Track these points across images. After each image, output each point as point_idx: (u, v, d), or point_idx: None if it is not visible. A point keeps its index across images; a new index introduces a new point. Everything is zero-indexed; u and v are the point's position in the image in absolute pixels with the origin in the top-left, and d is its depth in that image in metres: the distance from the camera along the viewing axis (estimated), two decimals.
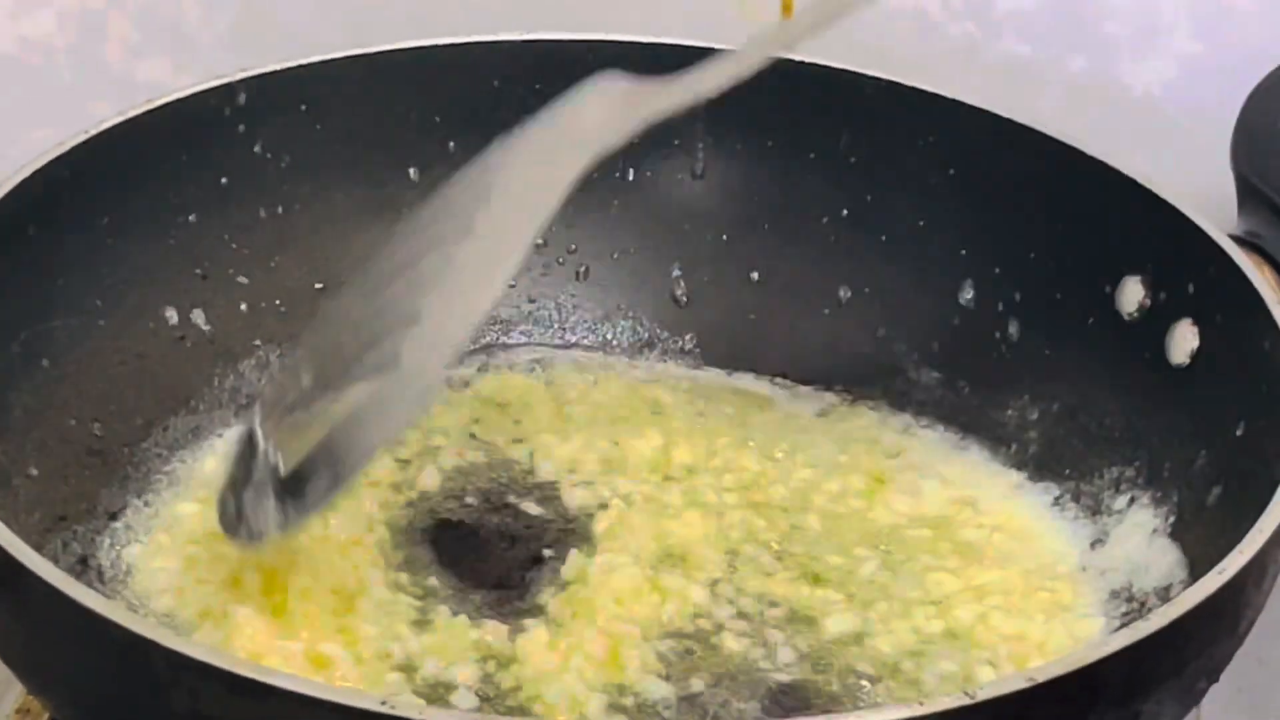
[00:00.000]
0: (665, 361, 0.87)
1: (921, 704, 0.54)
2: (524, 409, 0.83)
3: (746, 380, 0.86)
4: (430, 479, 0.78)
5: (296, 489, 0.64)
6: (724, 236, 0.88)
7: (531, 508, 0.77)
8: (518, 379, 0.85)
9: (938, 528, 0.77)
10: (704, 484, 0.79)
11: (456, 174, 0.68)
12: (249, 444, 0.67)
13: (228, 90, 0.81)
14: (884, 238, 0.86)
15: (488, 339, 0.87)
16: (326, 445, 0.63)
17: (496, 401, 0.84)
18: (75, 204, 0.76)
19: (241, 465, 0.67)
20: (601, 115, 0.66)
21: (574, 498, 0.78)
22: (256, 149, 0.82)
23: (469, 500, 0.78)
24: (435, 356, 0.63)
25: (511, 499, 0.78)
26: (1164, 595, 0.71)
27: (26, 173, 0.73)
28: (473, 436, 0.81)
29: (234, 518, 0.67)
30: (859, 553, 0.76)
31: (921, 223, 0.85)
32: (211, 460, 0.78)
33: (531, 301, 0.88)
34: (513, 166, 0.66)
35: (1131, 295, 0.78)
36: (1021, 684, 0.55)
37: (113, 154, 0.77)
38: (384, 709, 0.53)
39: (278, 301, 0.83)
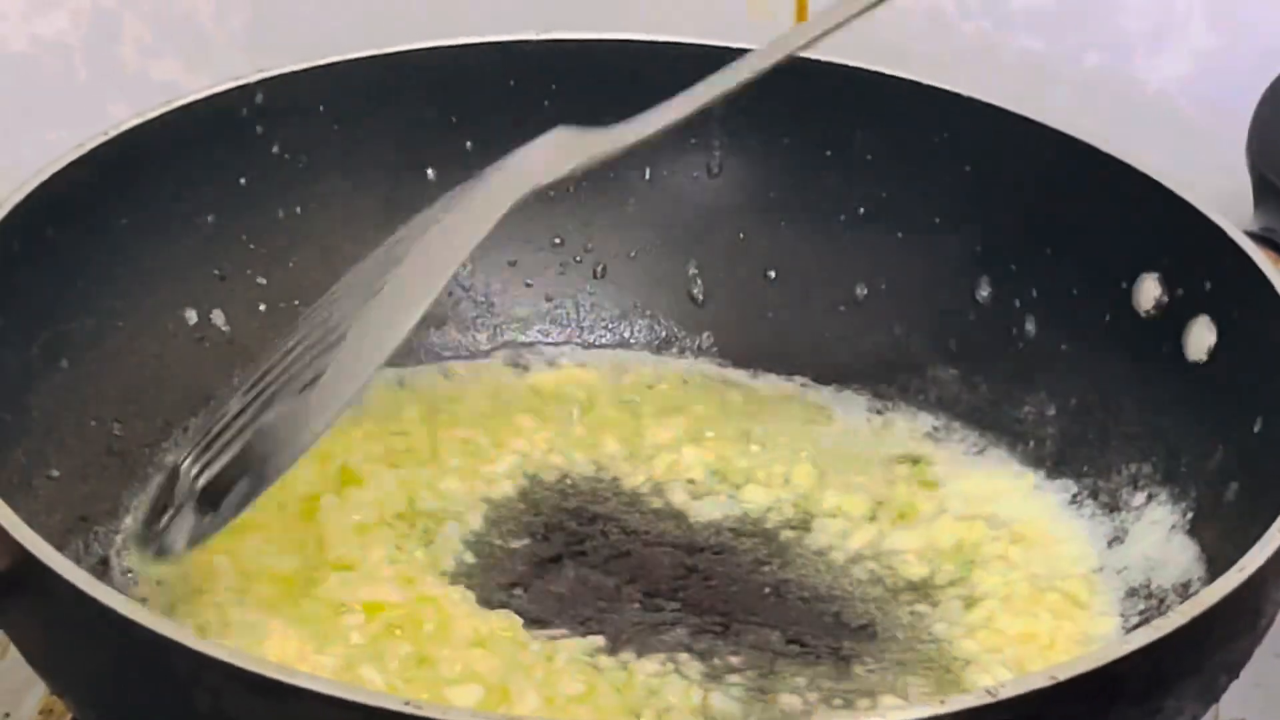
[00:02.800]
0: (685, 358, 0.87)
1: (943, 702, 0.55)
2: (543, 407, 0.83)
3: (769, 380, 0.86)
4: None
5: (214, 503, 0.66)
6: (740, 234, 0.88)
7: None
8: (536, 377, 0.85)
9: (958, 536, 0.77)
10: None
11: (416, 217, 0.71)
12: (173, 473, 0.69)
13: (245, 91, 0.81)
14: (900, 235, 0.86)
15: (506, 338, 0.87)
16: (244, 458, 0.66)
17: (512, 399, 0.84)
18: (94, 205, 0.76)
19: (165, 492, 0.69)
20: (542, 158, 0.70)
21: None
22: (274, 149, 0.83)
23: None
24: (352, 374, 0.66)
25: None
26: (1182, 592, 0.71)
27: (46, 174, 0.73)
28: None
29: (149, 535, 0.68)
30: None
31: (937, 220, 0.85)
32: None
33: (549, 300, 0.88)
34: (450, 202, 0.70)
35: (1148, 292, 0.78)
36: (1043, 682, 0.55)
37: (131, 155, 0.77)
38: (408, 709, 0.53)
39: (296, 301, 0.83)
